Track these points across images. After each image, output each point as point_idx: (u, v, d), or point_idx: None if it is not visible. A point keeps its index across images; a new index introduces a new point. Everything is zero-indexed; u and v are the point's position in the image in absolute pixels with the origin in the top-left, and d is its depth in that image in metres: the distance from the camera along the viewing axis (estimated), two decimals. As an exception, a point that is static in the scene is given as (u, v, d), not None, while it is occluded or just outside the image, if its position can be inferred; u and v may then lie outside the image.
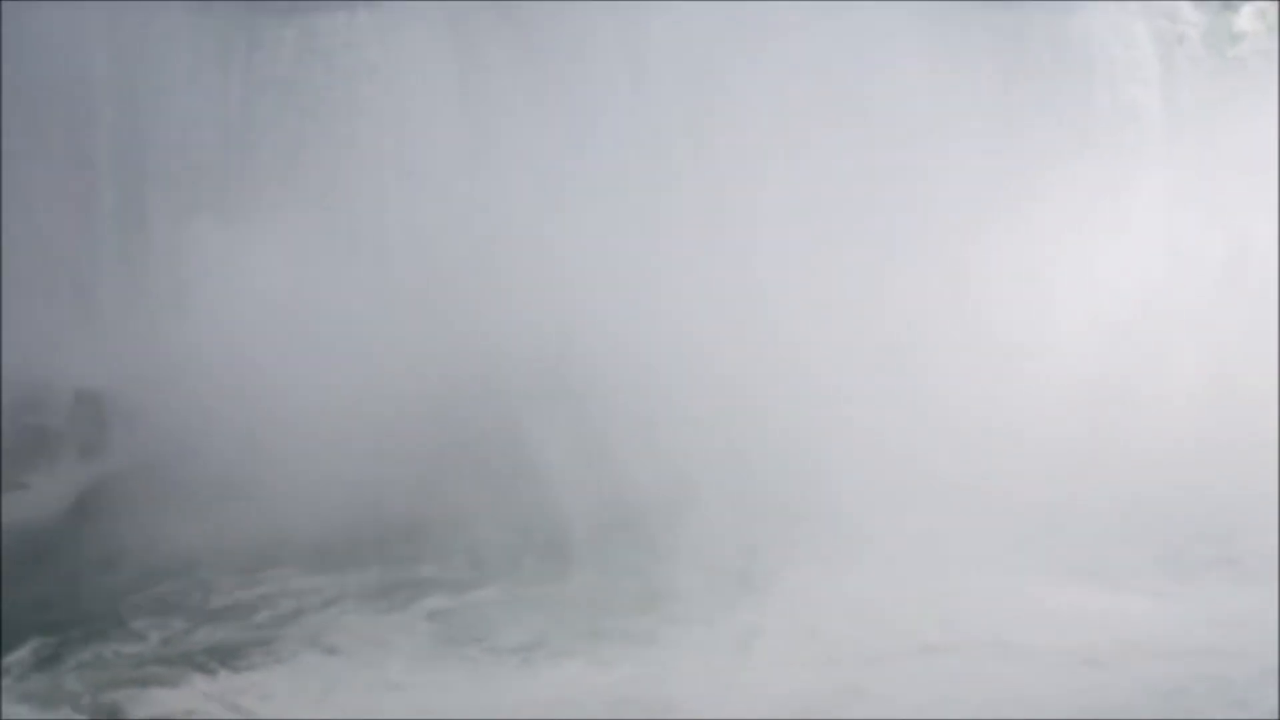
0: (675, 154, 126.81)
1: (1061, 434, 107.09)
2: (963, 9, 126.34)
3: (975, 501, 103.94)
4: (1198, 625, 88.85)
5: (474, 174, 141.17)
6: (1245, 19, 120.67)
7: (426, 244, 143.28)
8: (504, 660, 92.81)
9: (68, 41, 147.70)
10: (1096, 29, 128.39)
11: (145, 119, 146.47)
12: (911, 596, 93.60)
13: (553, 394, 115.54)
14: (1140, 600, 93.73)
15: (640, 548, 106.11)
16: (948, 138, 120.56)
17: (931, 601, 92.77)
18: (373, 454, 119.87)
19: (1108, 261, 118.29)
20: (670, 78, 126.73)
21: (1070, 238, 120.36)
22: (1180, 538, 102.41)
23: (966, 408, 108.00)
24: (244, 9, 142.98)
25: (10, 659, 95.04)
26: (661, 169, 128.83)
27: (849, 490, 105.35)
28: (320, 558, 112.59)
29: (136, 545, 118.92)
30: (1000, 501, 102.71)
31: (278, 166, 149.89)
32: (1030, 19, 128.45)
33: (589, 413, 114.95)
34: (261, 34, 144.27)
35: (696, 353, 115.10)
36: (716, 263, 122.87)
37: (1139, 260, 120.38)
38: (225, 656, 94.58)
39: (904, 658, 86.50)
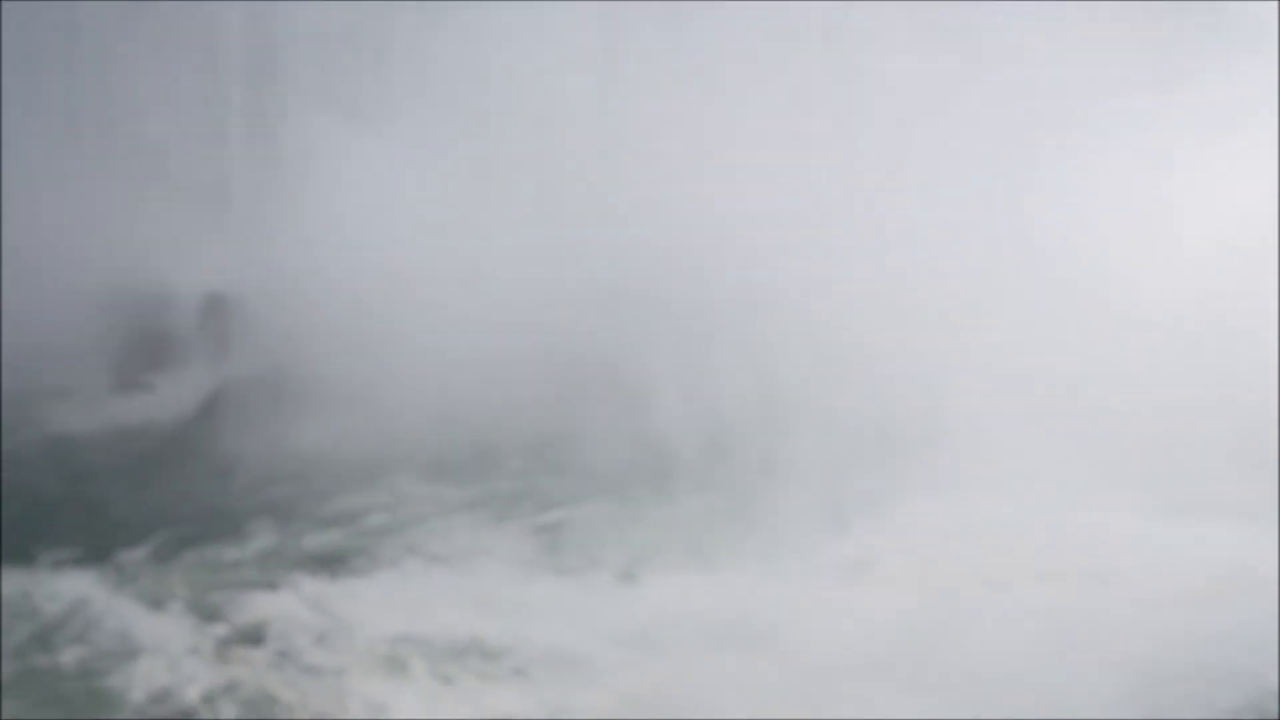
0: (816, 123, 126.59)
1: (1177, 369, 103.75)
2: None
3: (1086, 431, 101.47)
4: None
5: (607, 97, 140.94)
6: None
7: (554, 166, 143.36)
8: (606, 577, 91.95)
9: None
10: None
11: (275, 18, 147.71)
12: (1021, 524, 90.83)
13: (663, 319, 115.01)
14: (1250, 536, 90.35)
15: (749, 471, 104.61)
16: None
17: (1041, 530, 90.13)
18: (491, 369, 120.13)
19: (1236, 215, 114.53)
20: (817, 48, 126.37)
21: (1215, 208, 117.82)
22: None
23: (1080, 341, 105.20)
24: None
25: (126, 558, 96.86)
26: (802, 134, 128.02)
27: (958, 417, 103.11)
28: (435, 468, 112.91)
29: (256, 450, 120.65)
30: (1113, 432, 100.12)
31: (411, 74, 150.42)
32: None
33: (696, 337, 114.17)
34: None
35: (801, 283, 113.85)
36: (831, 204, 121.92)
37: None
38: (329, 562, 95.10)
39: (1014, 586, 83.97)
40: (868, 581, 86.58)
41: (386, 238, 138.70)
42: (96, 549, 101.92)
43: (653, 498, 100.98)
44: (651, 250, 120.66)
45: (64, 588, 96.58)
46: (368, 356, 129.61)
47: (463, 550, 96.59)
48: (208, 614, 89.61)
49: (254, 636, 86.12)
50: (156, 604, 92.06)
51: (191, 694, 77.94)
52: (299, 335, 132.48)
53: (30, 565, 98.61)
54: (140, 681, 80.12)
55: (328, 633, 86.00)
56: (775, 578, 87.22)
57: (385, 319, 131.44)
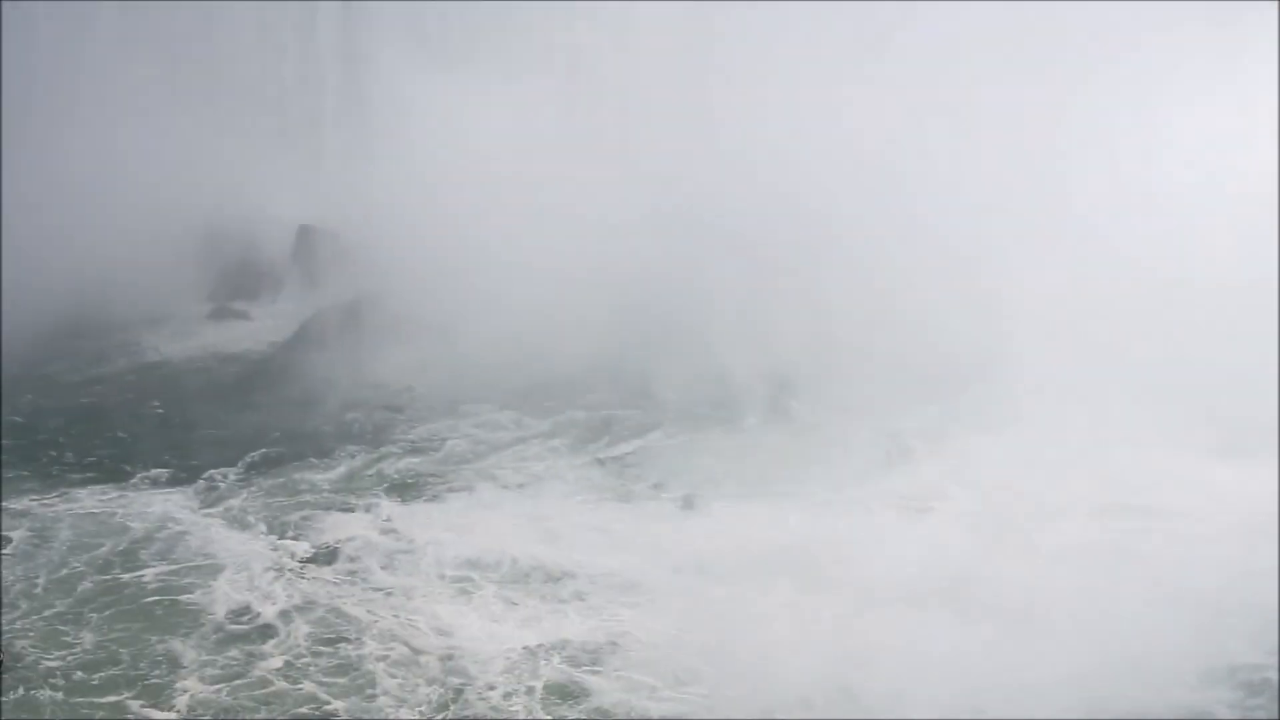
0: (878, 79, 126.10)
1: (1224, 319, 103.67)
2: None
3: (1134, 375, 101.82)
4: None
5: (686, 41, 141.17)
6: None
7: (632, 108, 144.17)
8: (669, 506, 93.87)
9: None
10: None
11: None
12: (1074, 460, 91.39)
13: (731, 262, 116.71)
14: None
15: (811, 407, 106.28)
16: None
17: (1093, 467, 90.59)
18: (569, 305, 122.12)
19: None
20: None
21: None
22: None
23: (1130, 293, 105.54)
24: None
25: (214, 479, 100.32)
26: (863, 89, 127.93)
27: (1012, 359, 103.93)
28: (513, 400, 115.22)
29: (344, 377, 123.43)
30: (1161, 377, 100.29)
31: (496, 16, 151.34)
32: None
33: (763, 279, 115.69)
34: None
35: (860, 229, 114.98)
36: (891, 156, 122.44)
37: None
38: (407, 487, 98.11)
39: (1074, 519, 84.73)
40: (926, 514, 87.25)
41: (471, 174, 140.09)
42: (187, 470, 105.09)
43: (718, 431, 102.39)
44: (722, 194, 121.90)
45: (154, 506, 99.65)
46: (452, 289, 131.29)
47: (535, 478, 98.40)
48: (287, 534, 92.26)
49: (330, 557, 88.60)
50: (240, 524, 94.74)
51: (268, 611, 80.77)
52: (387, 267, 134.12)
53: (123, 484, 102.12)
54: (220, 598, 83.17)
55: (400, 554, 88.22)
56: (834, 509, 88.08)
57: (469, 253, 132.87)
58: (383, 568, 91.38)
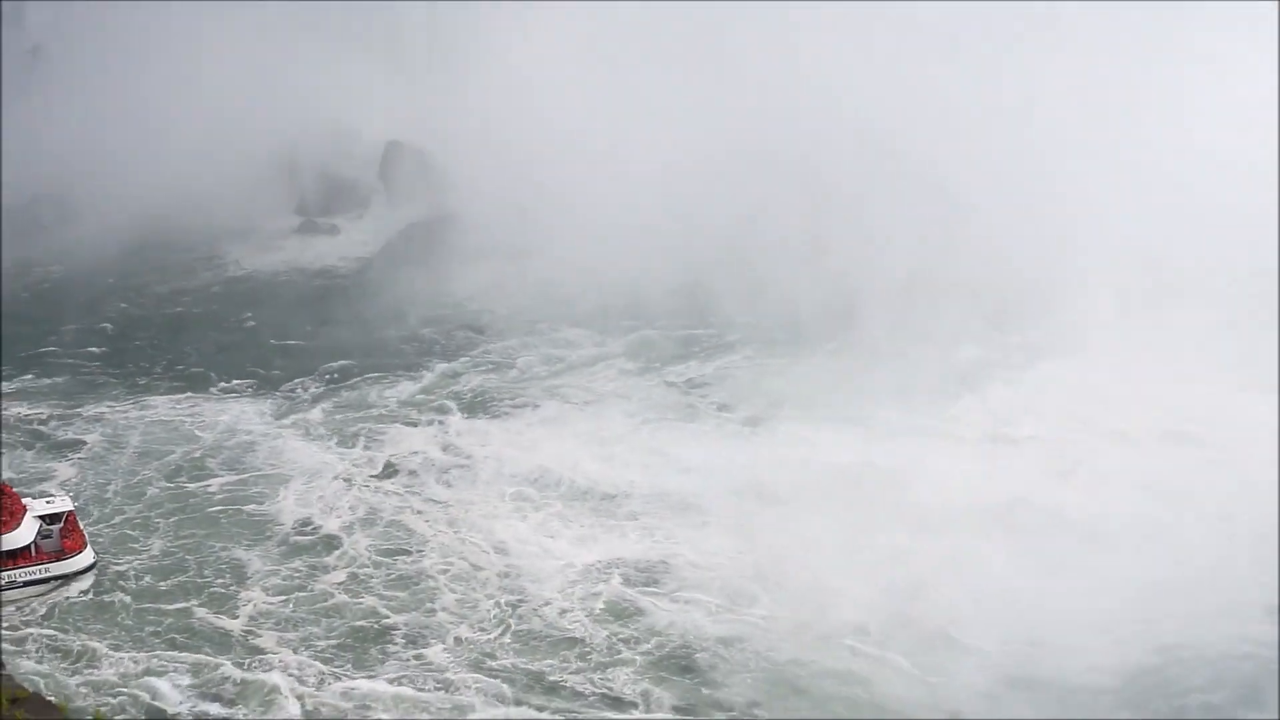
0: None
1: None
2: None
3: (1192, 312, 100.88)
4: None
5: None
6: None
7: (707, 46, 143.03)
8: (732, 427, 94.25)
9: None
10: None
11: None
12: (1142, 393, 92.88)
13: (802, 190, 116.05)
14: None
15: (880, 335, 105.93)
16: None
17: (1160, 398, 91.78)
18: (650, 233, 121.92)
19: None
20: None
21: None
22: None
23: (1190, 233, 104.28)
24: None
25: (290, 390, 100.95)
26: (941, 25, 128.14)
27: (1077, 292, 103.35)
28: (590, 319, 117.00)
29: (426, 294, 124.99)
30: (1218, 315, 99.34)
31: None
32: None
33: (835, 212, 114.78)
34: None
35: (927, 162, 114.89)
36: (959, 96, 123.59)
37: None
38: (474, 403, 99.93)
39: (1137, 448, 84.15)
40: (989, 440, 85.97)
41: (558, 104, 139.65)
42: (266, 382, 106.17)
43: (787, 356, 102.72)
44: (797, 133, 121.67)
45: (227, 416, 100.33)
46: (535, 212, 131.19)
47: (602, 397, 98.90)
48: (357, 447, 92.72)
49: (395, 471, 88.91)
50: (312, 436, 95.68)
51: (332, 523, 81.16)
52: (472, 186, 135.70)
53: (203, 393, 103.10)
54: (287, 509, 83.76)
55: (463, 470, 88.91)
56: (897, 435, 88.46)
57: (553, 179, 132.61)
58: (446, 483, 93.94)
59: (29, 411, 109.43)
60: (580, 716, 68.28)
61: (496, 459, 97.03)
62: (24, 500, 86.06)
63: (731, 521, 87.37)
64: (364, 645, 74.26)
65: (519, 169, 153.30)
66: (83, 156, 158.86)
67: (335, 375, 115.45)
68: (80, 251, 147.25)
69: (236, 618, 76.67)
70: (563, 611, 77.85)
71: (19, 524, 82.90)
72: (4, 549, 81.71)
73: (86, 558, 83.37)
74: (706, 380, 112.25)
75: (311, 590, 79.96)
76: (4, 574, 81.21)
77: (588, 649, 74.24)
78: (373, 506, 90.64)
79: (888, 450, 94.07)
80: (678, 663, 72.74)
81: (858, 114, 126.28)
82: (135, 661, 73.96)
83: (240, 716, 68.25)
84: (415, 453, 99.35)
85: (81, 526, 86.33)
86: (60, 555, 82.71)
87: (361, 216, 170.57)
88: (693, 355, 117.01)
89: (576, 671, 72.15)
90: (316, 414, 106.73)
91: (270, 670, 71.96)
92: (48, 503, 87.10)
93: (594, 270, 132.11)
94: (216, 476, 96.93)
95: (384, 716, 68.31)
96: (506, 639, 74.92)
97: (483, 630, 75.98)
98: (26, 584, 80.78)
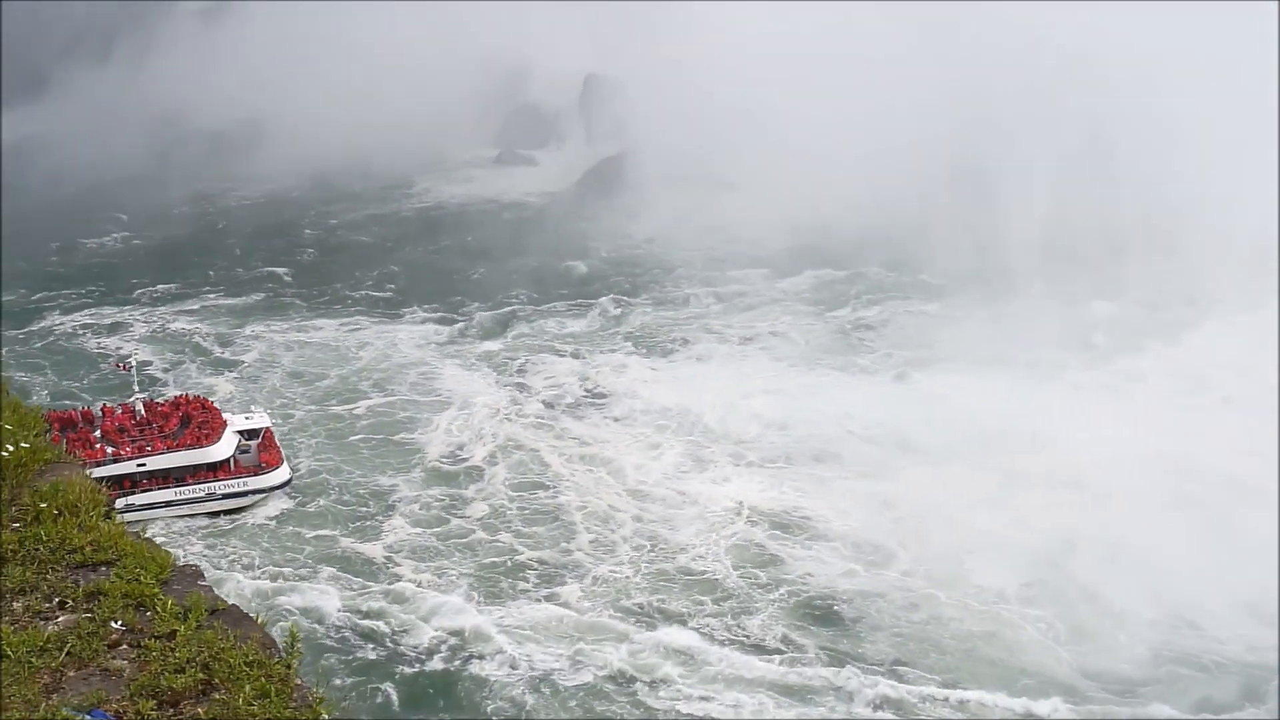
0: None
1: None
2: None
3: None
4: None
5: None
6: None
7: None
8: (887, 370, 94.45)
9: None
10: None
11: None
12: None
13: (1016, 136, 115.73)
14: None
15: (1079, 284, 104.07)
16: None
17: None
18: (842, 179, 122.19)
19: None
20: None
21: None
22: None
23: None
24: None
25: (465, 319, 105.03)
26: None
27: (1255, 247, 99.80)
28: (775, 259, 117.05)
29: (617, 227, 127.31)
30: None
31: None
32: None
33: (1052, 156, 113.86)
34: None
35: (1141, 114, 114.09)
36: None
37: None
38: (638, 339, 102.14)
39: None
40: (1144, 397, 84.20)
41: (761, 35, 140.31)
42: (437, 309, 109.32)
43: (977, 302, 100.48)
44: (1009, 72, 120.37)
45: (388, 341, 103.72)
46: (730, 150, 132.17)
47: (762, 338, 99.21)
48: (514, 379, 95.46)
49: (548, 405, 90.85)
50: (470, 364, 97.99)
51: (478, 455, 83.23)
52: (669, 121, 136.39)
53: (375, 318, 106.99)
54: (436, 438, 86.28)
55: (612, 406, 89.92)
56: (1051, 388, 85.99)
57: (750, 118, 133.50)
58: (591, 420, 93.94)
59: (200, 327, 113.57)
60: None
61: (647, 398, 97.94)
62: (224, 415, 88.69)
63: (871, 471, 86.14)
64: (499, 579, 74.49)
65: (719, 107, 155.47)
66: (285, 84, 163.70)
67: (507, 306, 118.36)
68: (277, 176, 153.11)
69: (376, 544, 77.77)
70: (698, 555, 77.36)
71: (219, 438, 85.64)
72: (205, 462, 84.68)
73: (282, 474, 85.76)
74: (873, 324, 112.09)
75: (450, 524, 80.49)
76: (204, 486, 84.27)
77: (724, 593, 73.75)
78: (517, 440, 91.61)
79: (1040, 403, 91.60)
80: (816, 613, 71.87)
81: (1088, 76, 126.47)
82: (284, 578, 75.29)
83: (385, 629, 72.70)
84: (566, 387, 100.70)
85: (278, 443, 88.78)
86: (257, 470, 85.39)
87: (559, 149, 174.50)
88: (870, 299, 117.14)
89: (714, 615, 71.57)
90: (480, 344, 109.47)
91: (408, 599, 72.37)
92: (246, 418, 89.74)
93: (787, 209, 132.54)
94: (367, 399, 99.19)
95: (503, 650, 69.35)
96: (642, 580, 74.72)
97: (618, 570, 75.71)
98: (225, 496, 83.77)
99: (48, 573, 12.95)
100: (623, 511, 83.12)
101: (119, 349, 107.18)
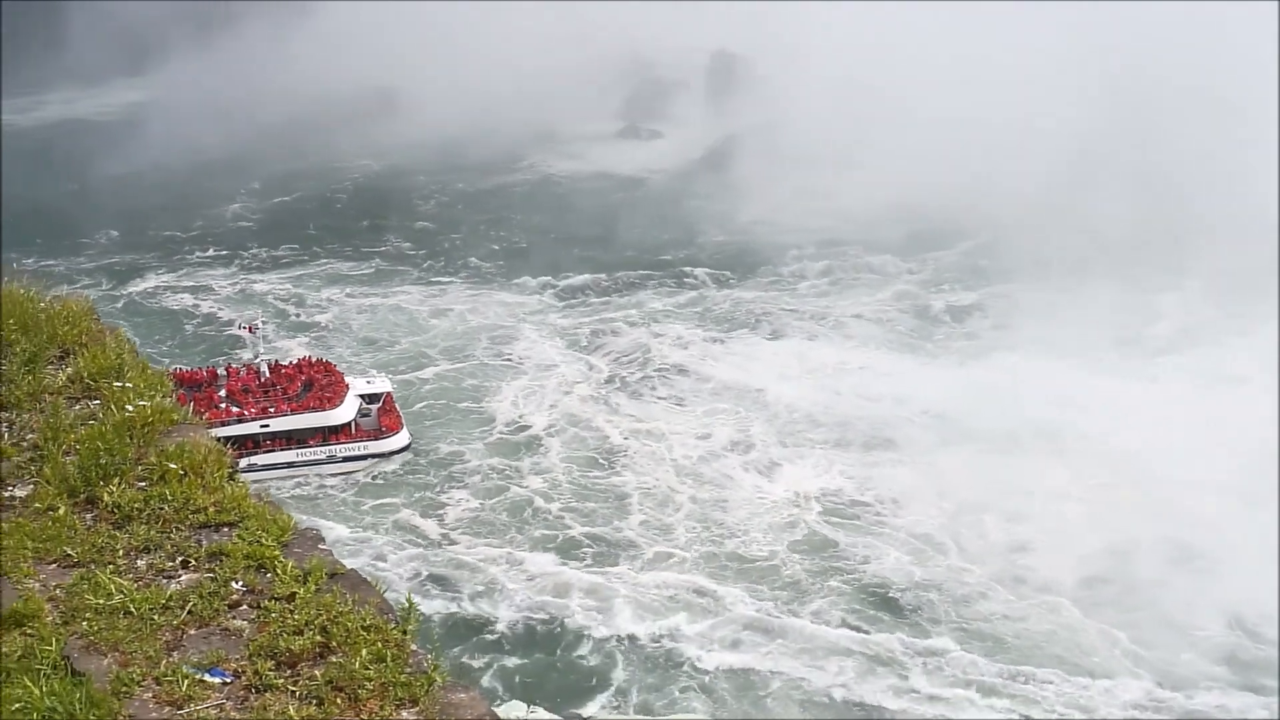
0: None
1: None
2: None
3: None
4: None
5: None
6: None
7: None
8: (964, 355, 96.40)
9: None
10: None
11: None
12: None
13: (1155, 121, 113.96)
14: None
15: (1187, 275, 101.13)
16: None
17: None
18: (981, 153, 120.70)
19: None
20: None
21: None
22: None
23: None
24: None
25: (554, 290, 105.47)
26: None
27: None
28: (886, 243, 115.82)
29: (735, 203, 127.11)
30: None
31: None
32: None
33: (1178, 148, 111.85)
34: None
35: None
36: None
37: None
38: (723, 319, 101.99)
39: None
40: (1225, 391, 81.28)
41: (895, 11, 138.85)
42: (543, 279, 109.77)
43: (1076, 288, 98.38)
44: (1150, 68, 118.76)
45: (470, 307, 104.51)
46: (859, 126, 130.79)
47: (852, 322, 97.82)
48: (593, 353, 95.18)
49: (614, 380, 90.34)
50: (556, 335, 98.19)
51: (538, 423, 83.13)
52: (795, 98, 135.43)
53: (471, 285, 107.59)
54: (503, 407, 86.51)
55: (682, 385, 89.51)
56: (1131, 377, 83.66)
57: (882, 94, 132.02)
58: (658, 398, 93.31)
59: (289, 289, 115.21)
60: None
61: (716, 377, 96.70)
62: (346, 379, 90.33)
63: (929, 458, 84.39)
64: (554, 552, 74.17)
65: (846, 85, 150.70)
66: (418, 55, 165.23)
67: (601, 279, 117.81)
68: (404, 148, 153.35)
69: (442, 521, 77.92)
70: (751, 539, 76.30)
71: (342, 401, 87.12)
72: (327, 424, 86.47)
73: (402, 438, 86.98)
74: (965, 309, 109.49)
75: (507, 496, 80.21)
76: (325, 448, 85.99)
77: (778, 579, 72.75)
78: (581, 415, 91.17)
79: (1112, 392, 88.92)
80: (874, 601, 70.70)
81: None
82: (359, 541, 75.89)
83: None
84: (637, 362, 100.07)
85: (399, 408, 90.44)
86: (378, 434, 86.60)
87: (684, 124, 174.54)
88: (969, 284, 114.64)
89: (770, 600, 70.59)
90: (563, 316, 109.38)
91: (466, 567, 72.64)
92: (368, 382, 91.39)
93: (909, 191, 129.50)
94: (434, 366, 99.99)
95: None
96: (698, 560, 73.99)
97: (672, 550, 75.00)
98: (345, 459, 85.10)
99: (171, 532, 13.07)
100: (679, 493, 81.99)
101: (212, 310, 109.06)
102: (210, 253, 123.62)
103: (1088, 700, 62.53)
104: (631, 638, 65.31)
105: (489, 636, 65.92)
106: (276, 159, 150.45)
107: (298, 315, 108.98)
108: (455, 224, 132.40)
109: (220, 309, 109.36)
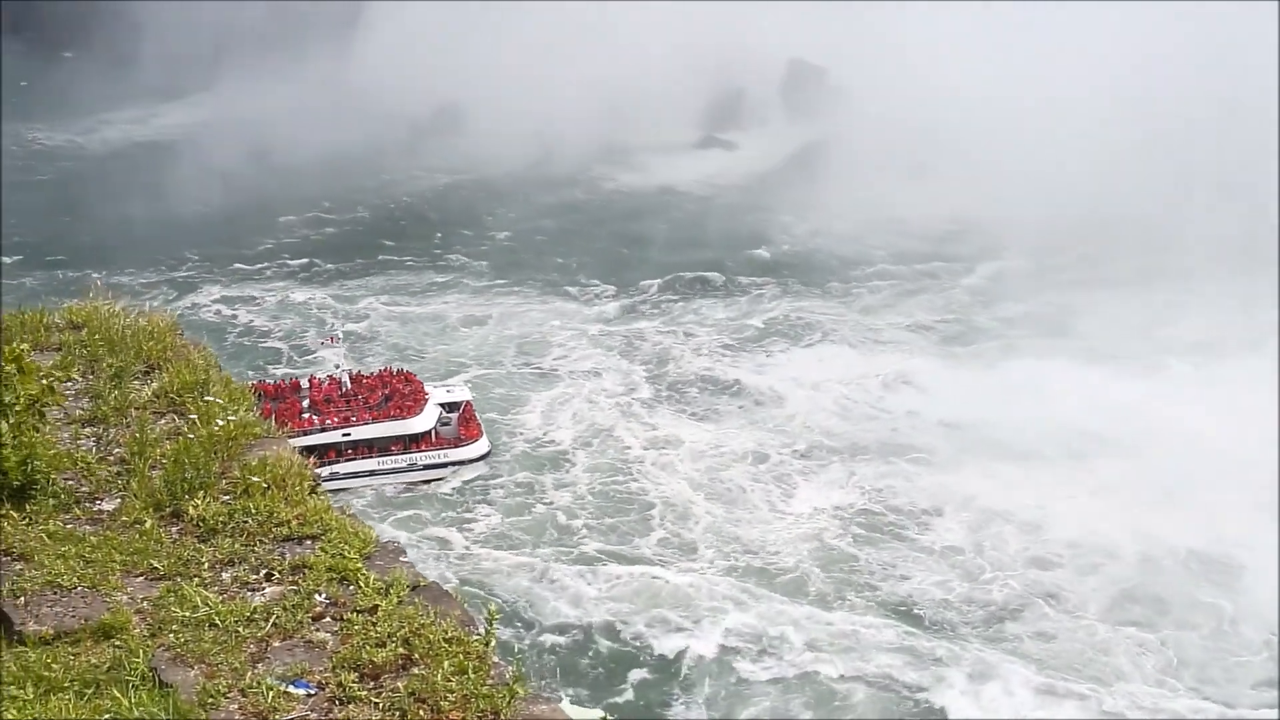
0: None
1: None
2: None
3: None
4: None
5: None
6: None
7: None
8: (1007, 365, 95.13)
9: None
10: None
11: None
12: None
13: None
14: None
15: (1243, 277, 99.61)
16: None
17: None
18: (1054, 161, 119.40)
19: None
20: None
21: None
22: None
23: None
24: None
25: (633, 291, 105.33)
26: None
27: None
28: (957, 254, 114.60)
29: (805, 213, 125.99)
30: None
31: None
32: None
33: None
34: None
35: None
36: None
37: None
38: (768, 333, 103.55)
39: None
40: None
41: (968, 21, 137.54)
42: (618, 281, 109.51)
43: (1174, 294, 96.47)
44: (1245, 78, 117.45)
45: (507, 314, 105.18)
46: (937, 136, 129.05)
47: (902, 333, 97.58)
48: (626, 362, 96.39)
49: (651, 394, 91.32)
50: (603, 345, 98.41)
51: (566, 439, 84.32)
52: (877, 107, 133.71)
53: (526, 297, 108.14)
54: (532, 422, 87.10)
55: (717, 399, 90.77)
56: (1182, 382, 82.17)
57: (961, 104, 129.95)
58: (691, 411, 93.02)
59: (330, 303, 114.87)
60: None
61: (752, 388, 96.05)
62: (426, 389, 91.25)
63: (955, 467, 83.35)
64: (573, 565, 74.33)
65: (924, 91, 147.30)
66: (489, 70, 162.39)
67: (661, 290, 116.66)
68: (476, 165, 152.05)
69: (471, 537, 78.15)
70: (773, 552, 75.58)
71: (422, 410, 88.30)
72: (407, 433, 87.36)
73: (481, 446, 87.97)
74: (1015, 319, 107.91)
75: (530, 515, 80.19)
76: (406, 456, 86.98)
77: (803, 593, 72.04)
78: (609, 428, 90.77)
79: (1154, 403, 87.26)
80: (892, 615, 69.69)
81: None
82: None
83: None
84: (679, 376, 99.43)
85: (478, 416, 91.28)
86: (457, 442, 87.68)
87: (761, 134, 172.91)
88: (1084, 285, 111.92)
89: (791, 618, 69.44)
90: (614, 326, 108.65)
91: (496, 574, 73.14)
92: (448, 391, 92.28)
93: (987, 201, 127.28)
94: (473, 370, 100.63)
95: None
96: (716, 575, 73.61)
97: (691, 564, 74.88)
98: (425, 467, 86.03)
99: (255, 545, 13.29)
100: (698, 506, 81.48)
101: (250, 320, 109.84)
102: (258, 266, 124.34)
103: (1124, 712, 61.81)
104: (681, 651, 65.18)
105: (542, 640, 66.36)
106: (345, 177, 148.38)
107: (336, 322, 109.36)
108: (520, 238, 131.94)
109: (257, 319, 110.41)
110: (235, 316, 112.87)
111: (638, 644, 66.37)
